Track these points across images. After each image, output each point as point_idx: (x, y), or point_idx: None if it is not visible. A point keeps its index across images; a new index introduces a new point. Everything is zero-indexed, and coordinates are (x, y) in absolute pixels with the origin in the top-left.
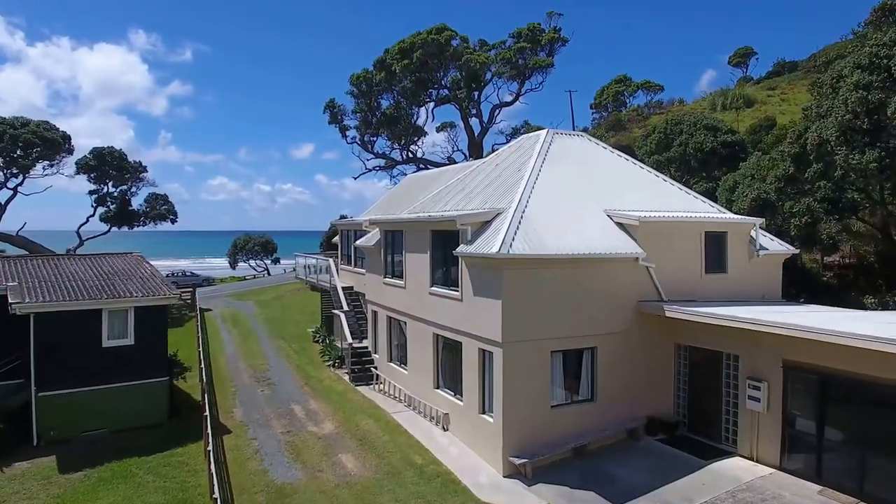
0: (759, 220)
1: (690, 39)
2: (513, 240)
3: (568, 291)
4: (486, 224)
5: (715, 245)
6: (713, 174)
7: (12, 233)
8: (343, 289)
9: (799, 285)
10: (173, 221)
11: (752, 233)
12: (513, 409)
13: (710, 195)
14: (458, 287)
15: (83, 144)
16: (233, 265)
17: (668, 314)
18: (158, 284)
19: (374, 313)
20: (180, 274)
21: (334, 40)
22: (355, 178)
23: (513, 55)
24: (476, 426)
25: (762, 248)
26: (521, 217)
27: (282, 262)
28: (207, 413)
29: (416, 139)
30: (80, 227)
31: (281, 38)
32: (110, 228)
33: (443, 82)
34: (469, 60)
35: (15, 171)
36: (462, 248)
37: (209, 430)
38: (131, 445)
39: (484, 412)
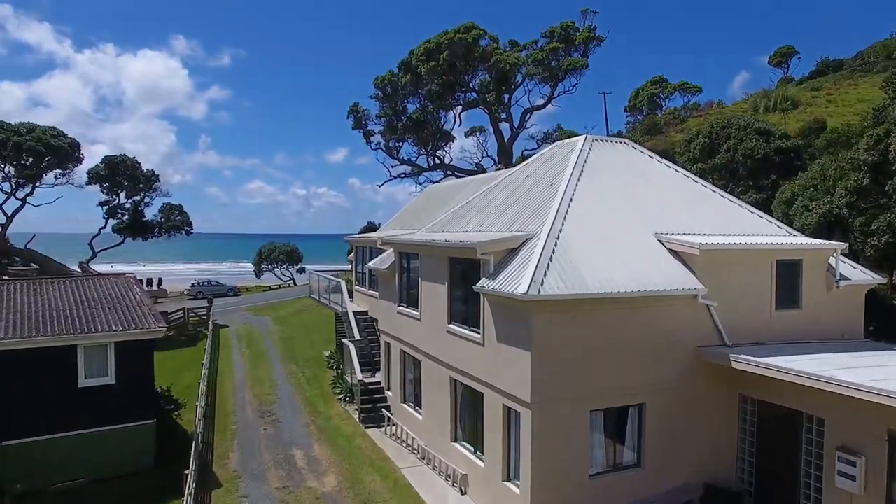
0: (842, 246)
1: (722, 40)
2: (545, 275)
3: (612, 338)
4: (512, 252)
5: (788, 276)
6: (762, 183)
7: (25, 239)
8: (356, 314)
9: (868, 314)
10: (188, 233)
11: (831, 260)
12: (543, 479)
13: (762, 207)
14: (479, 328)
15: (128, 149)
16: (258, 274)
17: (734, 365)
18: (145, 314)
19: (388, 345)
20: (206, 283)
21: (367, 43)
22: (380, 186)
23: (545, 56)
24: (499, 495)
25: (843, 277)
26: (556, 244)
27: (312, 268)
28: (192, 470)
29: (443, 144)
30: (92, 239)
31: (315, 42)
32: (124, 240)
33: (471, 85)
34: (499, 61)
35: (22, 181)
36: (483, 284)
37: (191, 490)
38: (108, 500)
39: (509, 479)
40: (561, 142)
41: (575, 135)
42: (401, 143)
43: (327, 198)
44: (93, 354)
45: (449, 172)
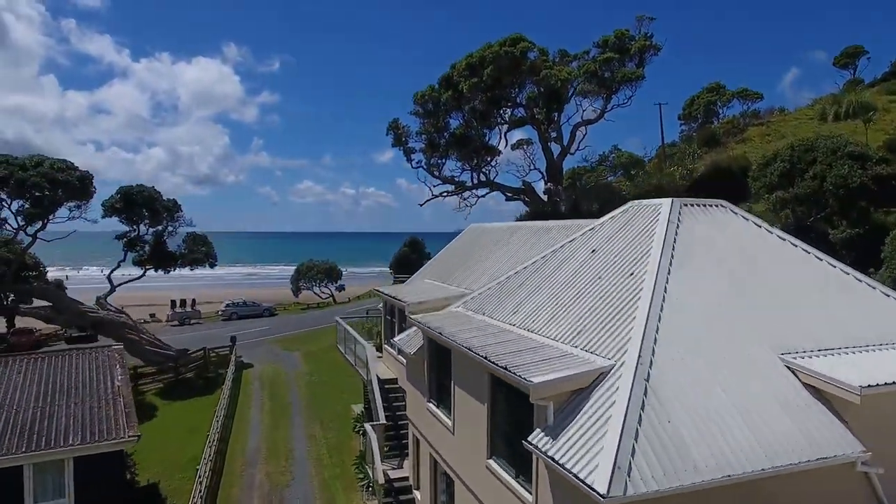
0: None
1: (768, 35)
2: (632, 454)
3: None
4: (578, 394)
5: None
6: (855, 216)
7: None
8: (383, 382)
9: None
10: (212, 265)
11: None
12: None
13: (861, 246)
14: (531, 485)
15: (183, 152)
16: (295, 292)
17: None
18: (118, 414)
19: (416, 440)
20: (241, 304)
21: (411, 47)
22: (421, 206)
23: (598, 67)
24: None
25: None
26: (645, 389)
27: (355, 270)
28: None
29: (488, 159)
30: (111, 273)
31: (360, 47)
32: (145, 272)
33: (518, 99)
34: (549, 76)
35: (29, 219)
36: (539, 442)
37: None
38: None
39: None
40: (638, 203)
41: (634, 159)
42: (443, 161)
43: (375, 197)
44: (45, 471)
45: (495, 192)
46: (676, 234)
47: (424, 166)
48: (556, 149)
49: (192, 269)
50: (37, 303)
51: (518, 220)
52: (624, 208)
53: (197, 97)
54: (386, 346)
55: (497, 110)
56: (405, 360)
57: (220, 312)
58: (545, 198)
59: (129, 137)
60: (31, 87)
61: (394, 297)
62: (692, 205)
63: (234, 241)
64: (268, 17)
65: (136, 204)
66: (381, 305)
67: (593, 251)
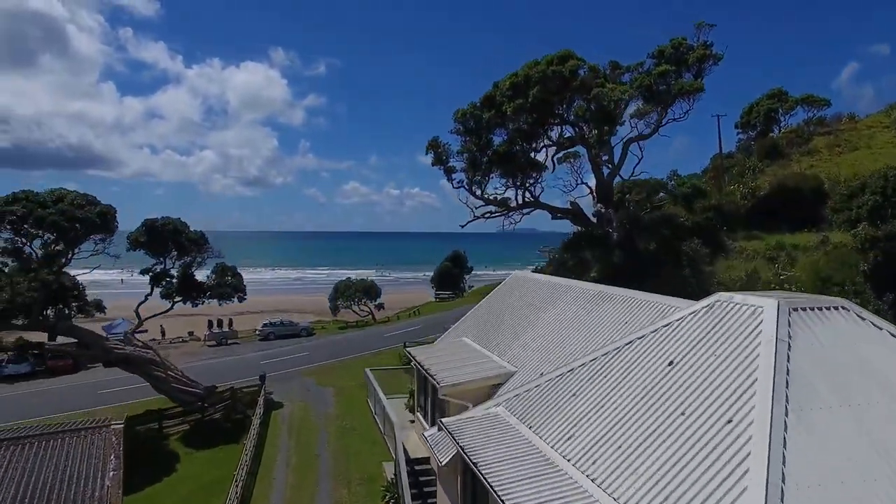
0: None
1: (821, 27)
2: None
3: None
4: None
5: None
6: None
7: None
8: (413, 462)
9: None
10: (241, 299)
11: None
12: None
13: None
14: None
15: (233, 154)
16: (334, 311)
17: None
18: None
19: None
20: (278, 323)
21: (454, 49)
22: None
23: (653, 81)
24: None
25: None
26: None
27: (399, 276)
28: None
29: (534, 175)
30: (138, 306)
31: (404, 50)
32: (173, 305)
33: (565, 116)
34: (601, 95)
35: (51, 255)
36: None
37: None
38: None
39: None
40: (727, 299)
41: (697, 188)
42: (486, 179)
43: (420, 198)
44: None
45: (540, 209)
46: (789, 359)
47: (466, 186)
48: (606, 166)
49: (220, 304)
50: (61, 338)
51: (565, 242)
52: (709, 302)
53: (246, 101)
54: (417, 416)
55: (543, 129)
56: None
57: (257, 332)
58: (594, 219)
59: (182, 141)
60: (92, 94)
61: (426, 371)
62: (804, 308)
63: (282, 241)
64: (314, 21)
65: (161, 237)
66: (413, 365)
67: (671, 364)
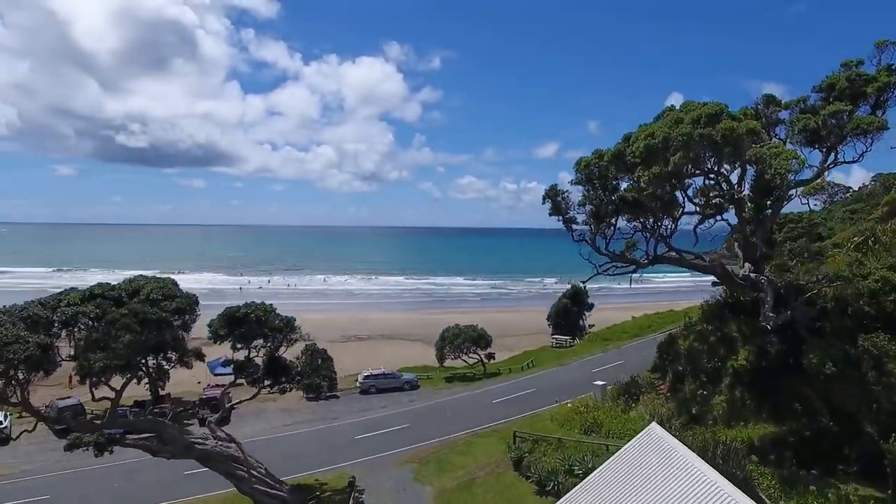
0: None
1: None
2: None
3: None
4: None
5: None
6: None
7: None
8: None
9: None
10: (331, 389)
11: None
12: None
13: None
14: None
15: (349, 150)
16: (440, 360)
17: None
18: None
19: None
20: (380, 375)
21: (571, 40)
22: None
23: (820, 123)
24: None
25: None
26: None
27: (525, 286)
28: None
29: (668, 220)
30: (223, 391)
31: (520, 42)
32: (259, 391)
33: (710, 174)
34: (760, 161)
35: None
36: None
37: None
38: None
39: None
40: None
41: (890, 281)
42: (611, 229)
43: (538, 192)
44: None
45: (674, 264)
46: None
47: (588, 239)
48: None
49: (307, 398)
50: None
51: (705, 308)
52: None
53: (361, 96)
54: None
55: (684, 194)
56: None
57: (357, 384)
58: (742, 282)
59: (300, 137)
60: (218, 94)
61: None
62: None
63: (396, 238)
64: (428, 13)
65: (243, 326)
66: None
67: None
